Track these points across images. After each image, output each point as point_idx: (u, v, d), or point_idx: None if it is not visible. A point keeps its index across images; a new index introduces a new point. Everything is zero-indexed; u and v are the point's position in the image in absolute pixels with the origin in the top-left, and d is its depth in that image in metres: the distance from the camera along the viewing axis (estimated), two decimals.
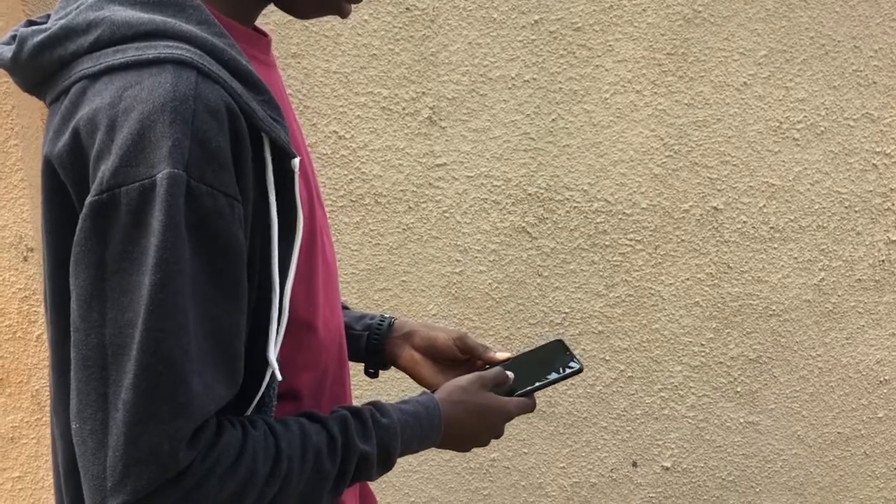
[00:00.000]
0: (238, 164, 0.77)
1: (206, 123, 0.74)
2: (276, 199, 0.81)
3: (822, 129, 2.00)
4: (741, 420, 2.09)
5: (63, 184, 0.78)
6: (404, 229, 1.95)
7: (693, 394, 2.07)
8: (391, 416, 0.91)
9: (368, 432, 0.88)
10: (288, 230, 0.83)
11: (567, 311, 2.01)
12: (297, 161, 0.81)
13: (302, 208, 0.83)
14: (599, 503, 2.09)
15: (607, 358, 2.04)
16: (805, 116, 1.99)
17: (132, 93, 0.74)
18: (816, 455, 2.12)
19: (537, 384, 1.04)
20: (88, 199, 0.74)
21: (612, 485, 2.09)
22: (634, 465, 2.09)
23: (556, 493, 2.08)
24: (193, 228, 0.74)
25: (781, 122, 1.98)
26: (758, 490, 2.12)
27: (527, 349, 1.12)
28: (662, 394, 2.07)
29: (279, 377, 0.82)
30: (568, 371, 1.05)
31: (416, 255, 1.96)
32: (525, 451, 2.08)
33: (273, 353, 0.81)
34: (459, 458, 2.06)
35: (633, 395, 2.06)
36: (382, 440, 0.89)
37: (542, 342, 1.13)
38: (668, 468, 2.09)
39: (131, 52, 0.76)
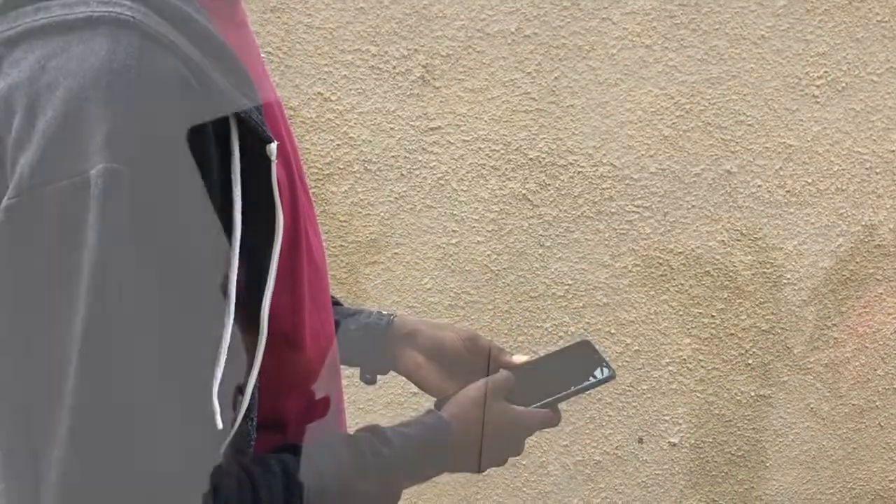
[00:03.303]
0: (196, 154, 0.63)
1: (152, 102, 0.61)
2: (250, 194, 0.67)
3: (844, 84, 1.96)
4: (752, 393, 2.07)
5: None
6: (396, 198, 1.89)
7: (702, 367, 2.04)
8: (392, 444, 0.79)
9: (366, 467, 0.76)
10: (265, 231, 0.69)
11: (570, 282, 1.97)
12: (273, 146, 0.68)
13: (282, 204, 0.70)
14: (603, 482, 2.06)
15: (613, 331, 2.01)
16: (826, 72, 1.95)
17: (57, 63, 0.61)
18: (830, 428, 2.11)
19: (562, 394, 0.92)
20: (5, 201, 0.61)
21: (616, 462, 2.06)
22: (640, 441, 2.06)
23: (559, 472, 2.04)
24: (139, 237, 0.60)
25: (800, 78, 1.95)
26: (768, 465, 2.11)
27: (548, 351, 1.01)
28: (670, 368, 2.03)
29: (219, 425, 0.66)
30: (597, 378, 0.94)
31: (409, 226, 1.91)
32: None
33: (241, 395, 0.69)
34: None
35: (639, 369, 2.03)
36: (383, 476, 0.77)
37: (567, 343, 1.02)
38: (675, 444, 2.07)
39: (56, 9, 0.62)
